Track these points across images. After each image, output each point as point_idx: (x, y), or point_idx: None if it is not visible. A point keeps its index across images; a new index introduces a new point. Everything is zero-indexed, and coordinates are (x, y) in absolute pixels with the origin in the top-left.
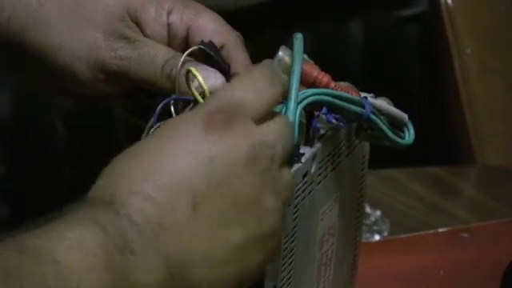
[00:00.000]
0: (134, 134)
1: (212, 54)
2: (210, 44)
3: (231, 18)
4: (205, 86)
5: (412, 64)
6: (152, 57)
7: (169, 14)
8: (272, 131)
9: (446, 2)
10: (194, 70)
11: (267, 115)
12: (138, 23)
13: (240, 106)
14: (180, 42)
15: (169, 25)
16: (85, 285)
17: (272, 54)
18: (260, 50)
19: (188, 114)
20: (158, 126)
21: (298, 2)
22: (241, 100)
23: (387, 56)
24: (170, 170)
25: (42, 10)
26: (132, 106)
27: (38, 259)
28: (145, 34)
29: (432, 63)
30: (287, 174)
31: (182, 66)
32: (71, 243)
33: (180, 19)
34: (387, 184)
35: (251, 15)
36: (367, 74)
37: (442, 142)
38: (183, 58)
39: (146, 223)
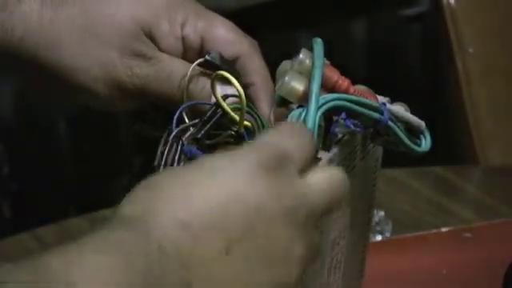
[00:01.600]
0: (144, 144)
1: (219, 64)
2: (217, 55)
3: (232, 18)
4: (240, 90)
5: (414, 63)
6: (169, 73)
7: (182, 26)
8: (314, 184)
9: (448, 2)
10: (226, 74)
11: (309, 168)
12: (152, 38)
13: (288, 157)
14: (195, 53)
15: (183, 37)
16: None
17: (273, 54)
18: (261, 50)
19: (241, 151)
20: (177, 132)
21: (300, 1)
22: (288, 151)
23: (390, 55)
24: (212, 202)
25: (53, 29)
26: (147, 118)
27: (51, 282)
28: (160, 49)
29: (434, 63)
30: (317, 234)
31: (190, 78)
32: (89, 273)
33: (194, 31)
34: (390, 183)
35: (252, 15)
36: (370, 73)
37: (444, 142)
38: (191, 69)
39: (176, 255)
